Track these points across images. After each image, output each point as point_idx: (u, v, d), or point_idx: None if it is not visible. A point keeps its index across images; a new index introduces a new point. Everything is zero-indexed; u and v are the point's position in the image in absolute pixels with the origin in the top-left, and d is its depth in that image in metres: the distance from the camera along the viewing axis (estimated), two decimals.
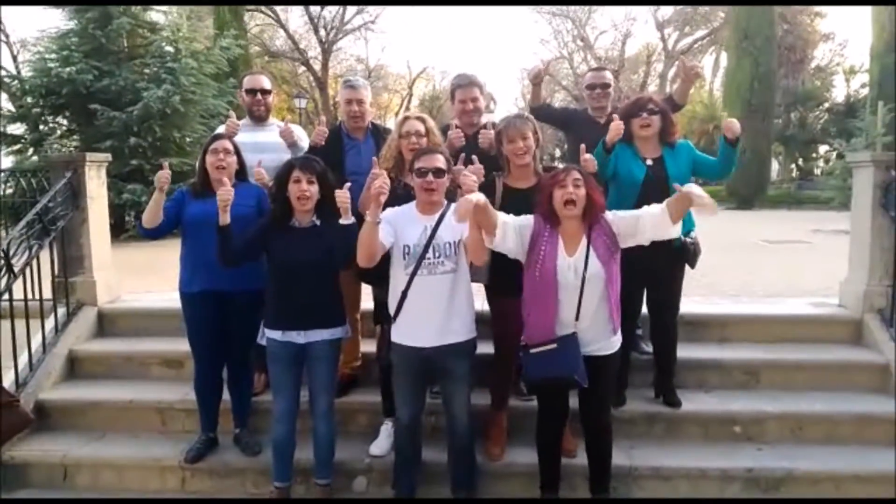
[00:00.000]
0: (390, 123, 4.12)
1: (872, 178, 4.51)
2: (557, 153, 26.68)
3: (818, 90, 28.93)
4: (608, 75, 4.58)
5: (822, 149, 29.67)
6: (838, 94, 29.73)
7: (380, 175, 3.06)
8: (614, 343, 3.22)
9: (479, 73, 4.16)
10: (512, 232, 3.08)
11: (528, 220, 3.14)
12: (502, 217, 3.07)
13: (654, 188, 3.65)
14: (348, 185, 3.26)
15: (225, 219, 3.27)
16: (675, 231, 3.11)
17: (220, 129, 4.11)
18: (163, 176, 3.59)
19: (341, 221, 3.19)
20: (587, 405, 3.32)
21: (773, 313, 4.80)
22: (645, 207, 3.11)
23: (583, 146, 3.65)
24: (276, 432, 3.41)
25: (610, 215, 3.17)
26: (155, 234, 3.72)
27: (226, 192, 3.28)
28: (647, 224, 3.08)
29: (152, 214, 3.61)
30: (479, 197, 2.91)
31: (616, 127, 3.68)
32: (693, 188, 2.95)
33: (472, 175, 3.09)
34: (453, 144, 3.77)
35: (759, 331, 4.61)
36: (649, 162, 3.78)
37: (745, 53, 21.64)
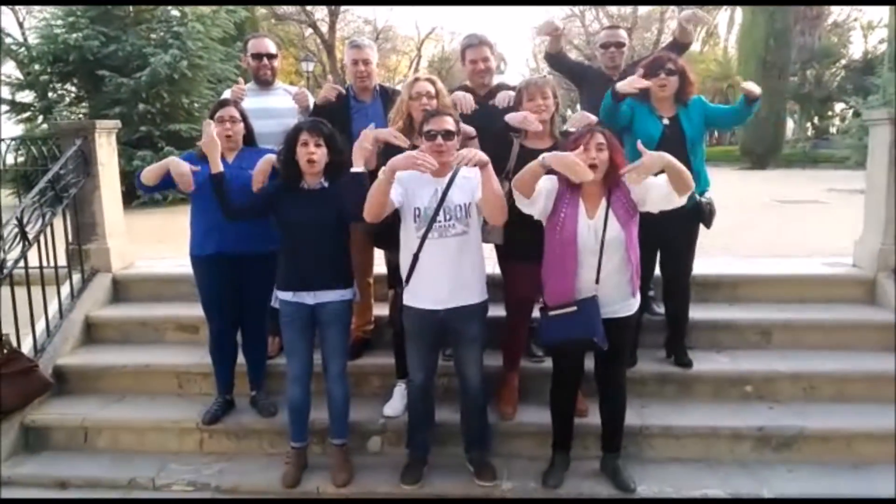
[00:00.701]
0: (399, 86, 4.08)
1: (889, 135, 4.44)
2: (569, 113, 26.41)
3: (835, 47, 28.35)
4: (622, 34, 4.51)
5: (839, 107, 29.18)
6: (855, 50, 29.18)
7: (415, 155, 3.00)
8: (633, 305, 3.23)
9: (489, 33, 4.10)
10: (544, 195, 3.09)
11: (553, 183, 3.12)
12: (540, 182, 3.05)
13: (670, 146, 3.63)
14: (370, 128, 3.26)
15: (216, 166, 3.33)
16: (682, 200, 3.07)
17: (227, 94, 4.09)
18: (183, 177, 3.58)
19: (352, 170, 3.20)
20: (602, 365, 3.34)
21: (786, 273, 4.78)
22: (655, 178, 3.07)
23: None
24: (291, 394, 3.46)
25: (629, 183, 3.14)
26: (151, 191, 3.79)
27: (209, 141, 3.36)
28: (656, 196, 3.07)
29: (153, 176, 3.61)
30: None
31: (631, 81, 3.63)
32: (640, 164, 2.94)
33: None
34: (462, 109, 3.75)
35: (772, 291, 4.60)
36: (665, 121, 3.75)
37: (760, 10, 21.18)
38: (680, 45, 4.19)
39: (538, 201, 3.09)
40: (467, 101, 3.82)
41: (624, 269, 3.13)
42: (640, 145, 3.01)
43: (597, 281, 3.08)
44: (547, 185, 3.09)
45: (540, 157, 2.96)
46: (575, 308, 3.08)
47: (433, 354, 3.42)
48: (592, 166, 2.99)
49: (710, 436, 3.67)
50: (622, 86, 3.64)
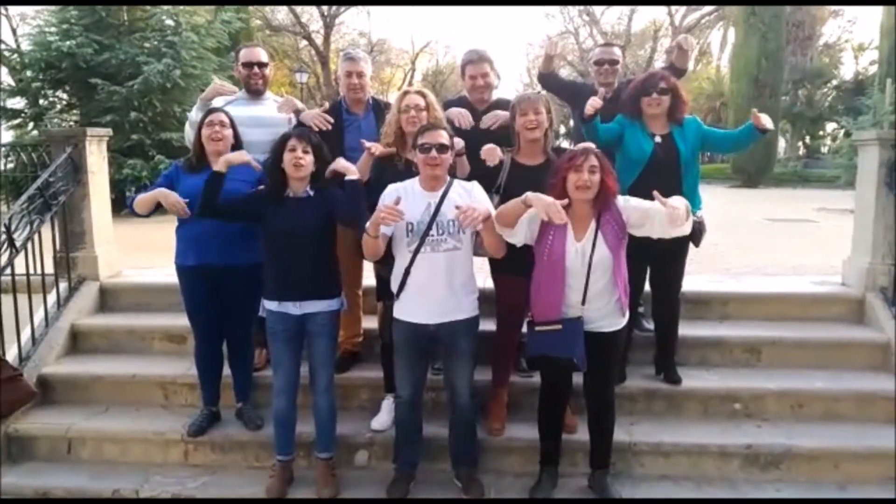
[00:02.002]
0: (393, 98, 4.10)
1: (878, 156, 4.48)
2: (563, 130, 26.53)
3: (826, 67, 28.67)
4: (616, 51, 4.53)
5: (830, 127, 29.49)
6: (847, 71, 29.52)
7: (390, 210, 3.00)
8: (621, 321, 3.23)
9: (484, 48, 4.13)
10: (525, 224, 3.09)
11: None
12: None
13: (662, 165, 3.67)
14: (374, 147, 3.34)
15: (222, 165, 3.33)
16: (686, 229, 3.05)
17: (218, 102, 4.08)
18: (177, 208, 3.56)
19: (347, 178, 3.23)
20: (591, 381, 3.34)
21: (775, 291, 4.79)
22: (653, 203, 3.05)
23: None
24: (276, 406, 3.43)
25: (621, 201, 3.15)
26: (140, 215, 3.74)
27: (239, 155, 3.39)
28: (656, 222, 3.05)
29: (145, 206, 3.60)
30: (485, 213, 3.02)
31: (593, 103, 3.65)
32: (674, 202, 2.94)
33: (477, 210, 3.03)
34: (459, 123, 3.77)
35: (761, 309, 4.61)
36: (657, 139, 3.76)
37: (753, 29, 21.40)
38: (677, 70, 4.20)
39: (519, 232, 3.11)
40: (465, 119, 3.84)
41: (611, 290, 3.13)
42: (657, 196, 2.99)
43: (583, 302, 3.10)
44: (529, 213, 3.07)
45: (523, 196, 2.98)
46: (560, 327, 3.10)
47: (422, 368, 3.40)
48: (584, 188, 3.01)
49: (698, 453, 3.66)
50: (587, 111, 3.67)
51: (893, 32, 18.17)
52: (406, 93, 3.63)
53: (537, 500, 3.40)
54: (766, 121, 3.67)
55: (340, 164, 3.33)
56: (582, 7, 35.88)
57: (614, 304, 3.16)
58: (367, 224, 3.06)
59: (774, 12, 21.54)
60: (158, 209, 3.66)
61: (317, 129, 3.77)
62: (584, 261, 3.06)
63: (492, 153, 3.50)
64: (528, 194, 2.97)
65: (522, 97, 3.52)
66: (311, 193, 3.34)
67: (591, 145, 3.47)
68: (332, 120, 3.89)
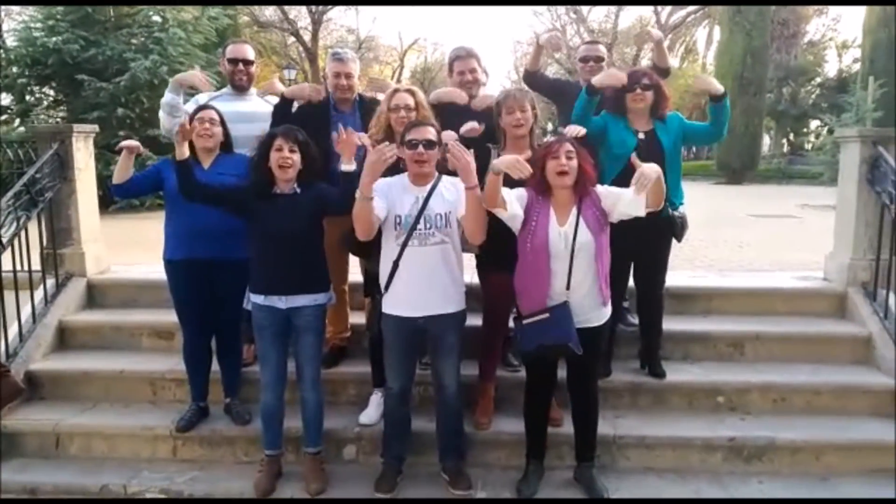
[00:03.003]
0: (381, 95, 4.12)
1: (859, 153, 4.54)
2: (549, 126, 26.57)
3: (810, 65, 28.91)
4: (602, 48, 4.57)
5: (814, 124, 29.72)
6: (830, 69, 29.76)
7: (379, 149, 3.04)
8: (604, 314, 3.27)
9: (472, 45, 4.17)
10: (516, 201, 3.13)
11: (520, 192, 3.18)
12: (503, 192, 3.08)
13: (644, 159, 3.68)
14: (350, 131, 3.28)
15: (182, 152, 3.31)
16: (642, 210, 3.11)
17: (202, 97, 4.09)
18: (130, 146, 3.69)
19: (343, 167, 3.23)
20: (574, 376, 3.38)
21: (759, 286, 4.85)
22: (624, 189, 3.11)
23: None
24: (264, 401, 3.45)
25: (602, 189, 3.21)
26: (124, 193, 3.78)
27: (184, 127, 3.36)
28: (622, 204, 3.11)
29: (120, 173, 3.67)
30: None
31: (611, 74, 3.70)
32: (640, 174, 2.98)
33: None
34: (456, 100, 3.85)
35: (745, 303, 4.66)
36: (641, 135, 3.80)
37: (738, 27, 21.55)
38: (660, 70, 4.24)
39: (515, 211, 3.12)
40: (459, 95, 3.91)
41: (594, 277, 3.17)
42: (633, 158, 3.06)
43: (567, 287, 3.13)
44: (516, 194, 3.13)
45: (490, 166, 3.03)
46: (547, 315, 3.12)
47: (411, 362, 3.43)
48: (563, 173, 3.06)
49: (683, 446, 3.71)
50: (599, 79, 3.71)
51: (876, 30, 18.36)
52: (396, 91, 3.65)
53: (524, 500, 3.42)
54: (705, 81, 3.79)
55: (345, 140, 3.24)
56: (569, 5, 35.93)
57: (597, 292, 3.19)
58: (360, 190, 3.03)
59: (759, 10, 21.69)
60: (145, 194, 3.72)
61: (314, 102, 3.89)
62: (568, 244, 3.10)
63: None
64: (493, 162, 3.02)
65: (508, 94, 3.53)
66: (299, 191, 3.36)
67: (573, 130, 3.50)
68: (323, 92, 3.97)
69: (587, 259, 3.13)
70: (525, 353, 3.32)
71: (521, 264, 3.23)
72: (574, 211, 3.14)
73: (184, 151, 3.31)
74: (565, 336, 3.10)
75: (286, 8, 31.88)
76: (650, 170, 2.97)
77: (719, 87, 3.76)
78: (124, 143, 3.70)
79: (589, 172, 3.14)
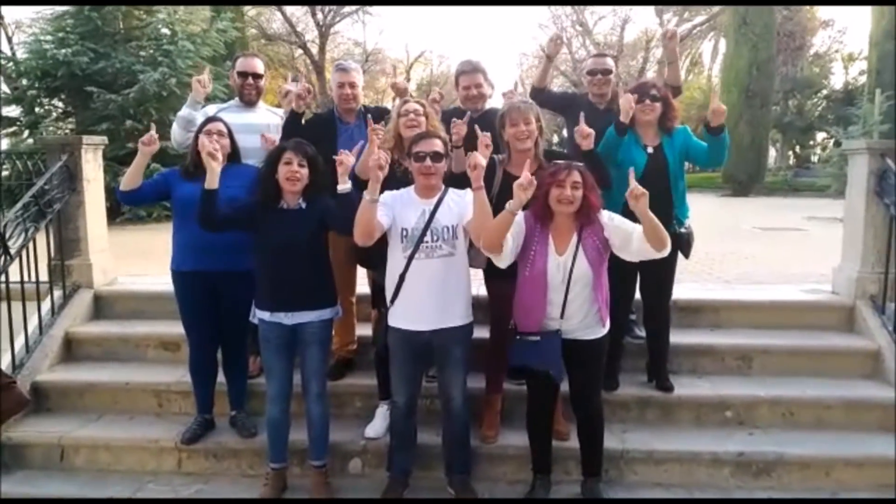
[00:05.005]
0: (388, 105, 4.17)
1: (867, 165, 4.53)
2: (556, 139, 26.60)
3: (816, 77, 28.82)
4: (609, 61, 4.56)
5: (820, 136, 29.61)
6: (837, 81, 29.64)
7: (379, 151, 3.06)
8: (601, 330, 3.25)
9: (478, 58, 4.19)
10: (511, 242, 3.09)
11: (518, 223, 3.12)
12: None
13: (653, 176, 3.69)
14: (345, 153, 3.26)
15: (212, 181, 3.28)
16: (664, 252, 3.06)
17: (210, 110, 4.11)
18: (148, 138, 3.63)
19: (338, 189, 3.21)
20: (577, 390, 3.36)
21: (766, 299, 4.83)
22: (636, 226, 3.08)
23: (582, 116, 3.60)
24: (270, 414, 3.45)
25: (606, 217, 3.16)
26: (130, 200, 3.77)
27: (210, 146, 3.30)
28: (636, 240, 3.07)
29: (132, 177, 3.65)
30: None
31: (627, 102, 3.67)
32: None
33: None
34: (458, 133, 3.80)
35: (752, 317, 4.64)
36: (650, 150, 3.80)
37: (743, 39, 21.52)
38: (672, 89, 4.21)
39: (506, 251, 3.08)
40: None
41: (590, 304, 3.16)
42: (631, 173, 3.04)
43: (562, 316, 3.13)
44: (513, 229, 3.08)
45: (506, 206, 2.97)
46: (538, 339, 3.13)
47: (417, 375, 3.42)
48: (566, 202, 3.03)
49: (690, 461, 3.69)
50: (623, 116, 3.68)
51: (882, 43, 18.33)
52: (406, 101, 3.68)
53: (531, 500, 3.41)
54: (718, 108, 3.64)
55: (340, 160, 3.23)
56: (574, 18, 36.00)
57: (593, 315, 3.19)
58: (366, 192, 3.03)
59: (765, 23, 21.67)
60: (152, 202, 3.70)
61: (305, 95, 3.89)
62: (564, 276, 3.10)
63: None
64: (509, 204, 2.96)
65: (512, 107, 3.51)
66: (304, 206, 3.35)
67: (584, 130, 3.47)
68: (312, 90, 3.95)
69: (584, 289, 3.13)
70: (511, 368, 3.31)
71: (519, 286, 3.23)
72: (574, 239, 3.12)
73: (214, 180, 3.29)
74: (548, 364, 3.12)
75: (294, 20, 32.07)
76: (637, 188, 2.95)
77: (721, 120, 3.68)
78: (147, 148, 3.65)
79: (593, 203, 3.09)
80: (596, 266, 3.12)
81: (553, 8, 36.41)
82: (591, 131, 3.55)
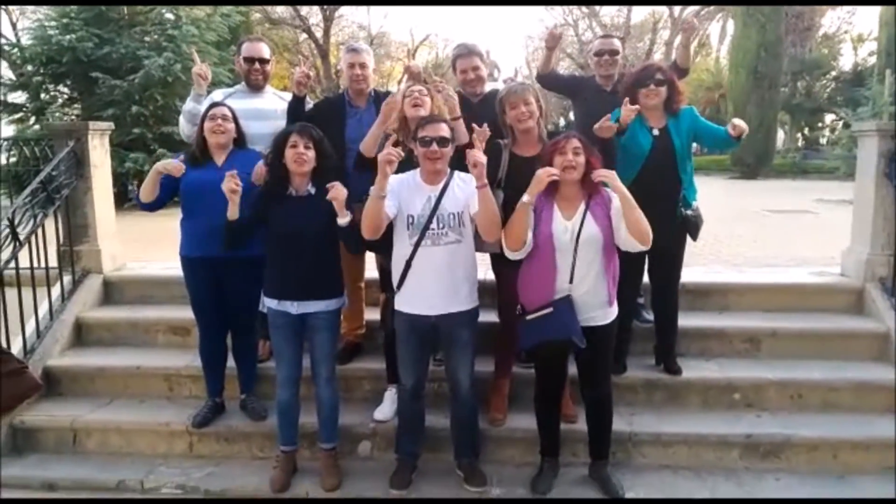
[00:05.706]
0: (393, 89, 4.14)
1: (877, 147, 4.49)
2: (562, 122, 26.46)
3: (825, 58, 28.53)
4: (616, 42, 4.53)
5: (829, 118, 29.34)
6: (846, 62, 29.32)
7: (391, 147, 3.06)
8: (610, 313, 3.24)
9: (482, 41, 4.20)
10: (529, 234, 3.10)
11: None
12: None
13: (659, 159, 3.69)
14: (336, 185, 3.21)
15: (234, 212, 3.27)
16: (644, 247, 3.11)
17: (216, 96, 4.10)
18: (172, 167, 3.55)
19: (339, 222, 3.20)
20: (586, 375, 3.37)
21: (775, 282, 4.82)
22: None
23: (607, 121, 3.62)
24: (280, 398, 3.47)
25: (615, 199, 3.15)
26: (152, 207, 3.72)
27: (231, 182, 3.24)
28: (623, 234, 3.10)
29: (148, 191, 3.62)
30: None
31: (629, 110, 3.66)
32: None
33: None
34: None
35: (761, 299, 4.63)
36: (655, 132, 3.78)
37: (752, 21, 21.30)
38: (679, 70, 4.19)
39: (527, 245, 3.11)
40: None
41: (601, 274, 3.14)
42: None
43: (570, 280, 3.11)
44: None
45: (522, 199, 3.01)
46: (551, 309, 3.11)
47: (424, 359, 3.43)
48: (569, 167, 3.04)
49: (698, 443, 3.69)
50: (623, 119, 3.66)
51: (892, 23, 18.12)
52: (412, 85, 3.66)
53: (539, 497, 3.41)
54: (741, 125, 3.66)
55: (333, 196, 3.17)
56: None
57: (603, 290, 3.16)
58: (373, 187, 3.04)
59: None
60: (168, 201, 3.69)
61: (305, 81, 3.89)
62: (573, 237, 3.08)
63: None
64: (525, 197, 3.00)
65: (509, 91, 3.51)
66: (313, 192, 3.35)
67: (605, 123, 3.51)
68: (311, 74, 3.95)
69: (592, 253, 3.10)
70: (527, 349, 3.30)
71: (526, 259, 3.20)
72: (582, 206, 3.13)
73: (234, 211, 3.28)
74: (567, 330, 3.08)
75: (298, 5, 31.90)
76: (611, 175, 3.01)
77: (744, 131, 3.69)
78: (166, 168, 3.55)
79: (596, 167, 3.10)
80: (606, 231, 3.11)
81: None
82: (614, 125, 3.57)
